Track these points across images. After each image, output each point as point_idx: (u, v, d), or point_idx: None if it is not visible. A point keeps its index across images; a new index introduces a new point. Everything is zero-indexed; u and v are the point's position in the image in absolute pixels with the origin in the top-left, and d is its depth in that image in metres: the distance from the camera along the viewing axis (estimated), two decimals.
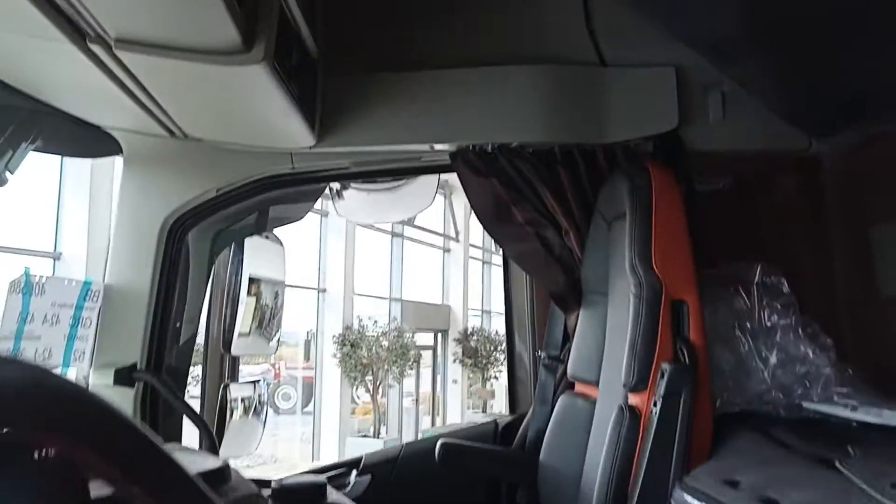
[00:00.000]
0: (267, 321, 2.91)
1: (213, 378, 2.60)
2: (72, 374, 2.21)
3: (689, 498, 1.55)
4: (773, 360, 1.94)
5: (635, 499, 1.74)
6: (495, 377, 17.00)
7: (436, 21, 2.41)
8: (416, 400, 16.25)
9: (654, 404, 1.78)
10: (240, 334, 2.66)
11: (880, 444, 1.73)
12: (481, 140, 2.36)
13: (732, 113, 2.50)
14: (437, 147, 2.39)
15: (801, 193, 2.64)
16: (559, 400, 2.32)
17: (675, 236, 1.92)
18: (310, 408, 15.00)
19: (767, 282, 2.04)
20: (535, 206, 2.37)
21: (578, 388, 2.32)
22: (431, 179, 2.86)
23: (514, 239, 2.40)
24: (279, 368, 16.36)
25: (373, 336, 13.72)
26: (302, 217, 2.72)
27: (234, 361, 2.71)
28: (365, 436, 14.00)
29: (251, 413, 2.74)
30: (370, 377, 13.63)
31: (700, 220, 2.02)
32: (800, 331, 1.97)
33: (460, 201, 15.29)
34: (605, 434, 1.91)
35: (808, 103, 2.35)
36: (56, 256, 9.23)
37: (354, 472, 2.40)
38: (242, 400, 2.72)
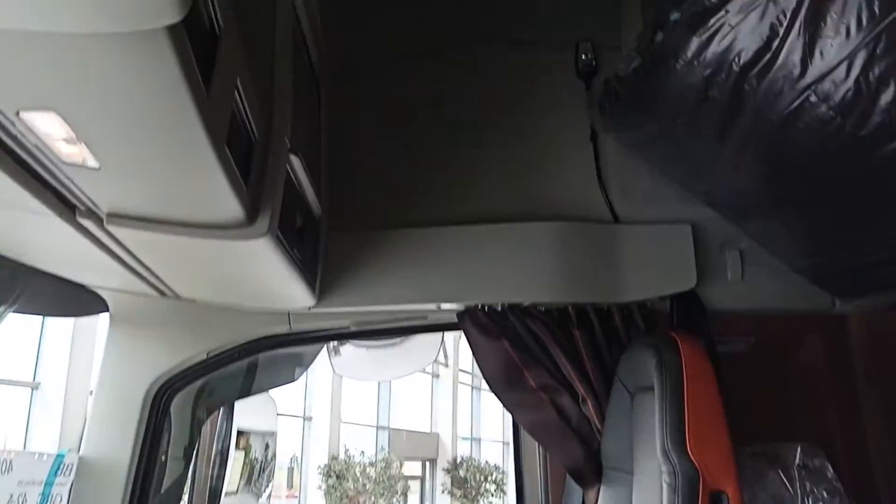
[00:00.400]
0: (256, 475, 2.70)
1: None
2: None
3: None
4: None
5: None
6: None
7: (442, 177, 2.33)
8: None
9: None
10: (227, 493, 2.46)
11: None
12: (491, 300, 2.23)
13: (752, 271, 2.39)
14: (444, 306, 2.25)
15: (828, 355, 2.50)
16: None
17: (709, 415, 1.76)
18: None
19: (809, 465, 1.87)
20: (549, 370, 2.22)
21: None
22: (435, 335, 2.71)
23: (527, 406, 2.22)
24: None
25: (359, 466, 13.24)
26: (297, 378, 2.55)
27: None
28: None
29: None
30: None
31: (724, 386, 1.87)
32: None
33: None
34: None
35: (828, 266, 2.25)
36: (35, 386, 9.01)
37: None
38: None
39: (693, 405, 1.76)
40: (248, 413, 2.58)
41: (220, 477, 2.42)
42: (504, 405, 2.24)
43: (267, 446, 2.77)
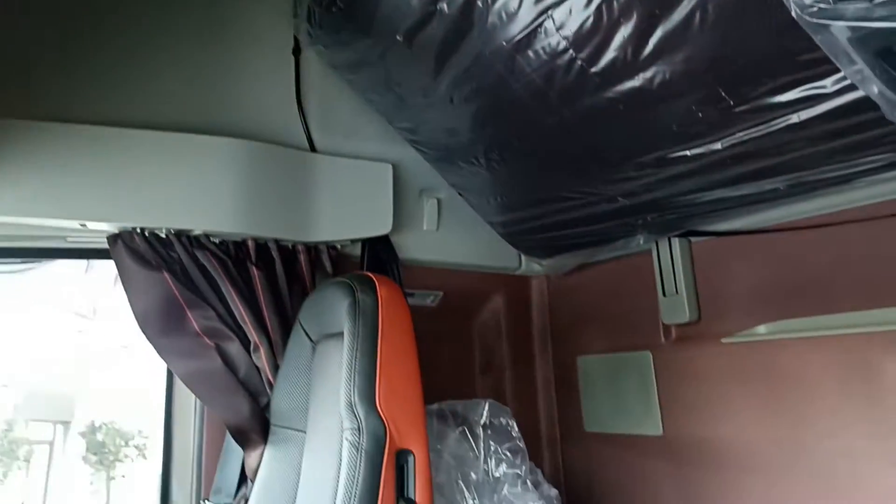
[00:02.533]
0: None
1: None
2: None
3: None
4: None
5: None
6: (123, 476, 15.22)
7: (106, 71, 1.87)
8: None
9: None
10: None
11: None
12: (152, 223, 1.82)
13: (448, 223, 2.28)
14: (92, 226, 1.80)
15: (511, 314, 2.47)
16: None
17: (403, 368, 1.56)
18: None
19: (495, 423, 1.76)
20: (217, 312, 1.87)
21: None
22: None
23: (187, 353, 1.85)
24: None
25: None
26: None
27: None
28: None
29: None
30: None
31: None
32: (528, 482, 1.70)
33: (99, 276, 13.74)
34: None
35: (520, 223, 2.21)
36: None
37: None
38: None
39: (387, 355, 1.55)
40: None
41: None
42: (157, 350, 1.84)
43: None
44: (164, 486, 2.07)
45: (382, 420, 1.47)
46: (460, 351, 2.38)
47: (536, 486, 1.76)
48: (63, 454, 15.55)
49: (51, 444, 15.63)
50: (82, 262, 2.65)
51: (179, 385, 2.07)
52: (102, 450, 15.69)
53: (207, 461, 2.00)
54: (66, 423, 16.02)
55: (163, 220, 1.83)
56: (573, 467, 2.25)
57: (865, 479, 1.56)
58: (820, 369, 1.65)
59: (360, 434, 1.46)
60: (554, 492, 1.80)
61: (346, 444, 1.47)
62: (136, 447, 16.24)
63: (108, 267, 1.88)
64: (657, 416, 2.02)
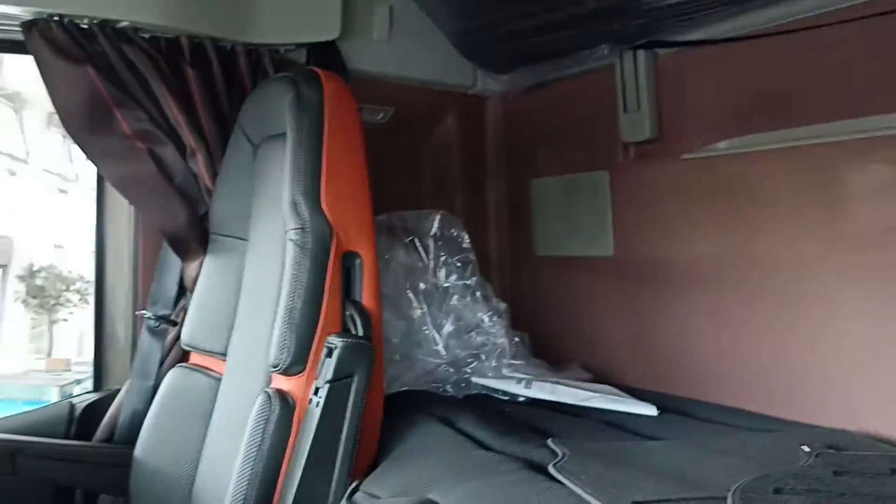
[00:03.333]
0: None
1: None
2: None
3: None
4: (448, 327, 1.61)
5: None
6: (65, 319, 15.20)
7: None
8: None
9: (316, 391, 1.32)
10: None
11: (568, 431, 1.50)
12: (73, 10, 1.64)
13: (400, 32, 2.13)
14: (1, 9, 1.60)
15: (464, 134, 2.37)
16: (168, 375, 1.73)
17: (349, 169, 1.47)
18: None
19: (447, 234, 1.70)
20: (149, 113, 1.73)
21: (195, 359, 1.75)
22: None
23: (117, 156, 1.72)
24: None
25: None
26: None
27: None
28: None
29: None
30: None
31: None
32: (477, 294, 1.66)
33: (35, 117, 13.28)
34: (235, 423, 1.42)
35: (477, 31, 2.07)
36: None
37: None
38: None
39: (332, 153, 1.45)
40: None
41: None
42: (85, 153, 1.70)
43: None
44: (99, 297, 1.99)
45: (328, 220, 1.39)
46: (411, 173, 2.28)
47: (486, 299, 1.73)
48: (2, 297, 15.35)
49: None
50: None
51: (113, 195, 1.95)
52: (43, 294, 15.54)
53: (144, 272, 1.92)
54: (4, 267, 15.76)
55: (83, 8, 1.64)
56: (521, 289, 2.23)
57: (815, 287, 1.56)
58: (779, 182, 1.61)
59: (304, 234, 1.38)
60: (503, 305, 1.77)
61: (289, 246, 1.39)
62: (79, 292, 16.12)
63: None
64: (609, 237, 1.99)
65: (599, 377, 1.89)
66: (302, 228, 1.38)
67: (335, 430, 1.31)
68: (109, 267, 1.97)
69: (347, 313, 1.39)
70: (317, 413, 1.30)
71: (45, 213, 16.10)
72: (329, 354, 1.32)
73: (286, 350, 1.34)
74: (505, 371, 1.69)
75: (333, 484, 1.29)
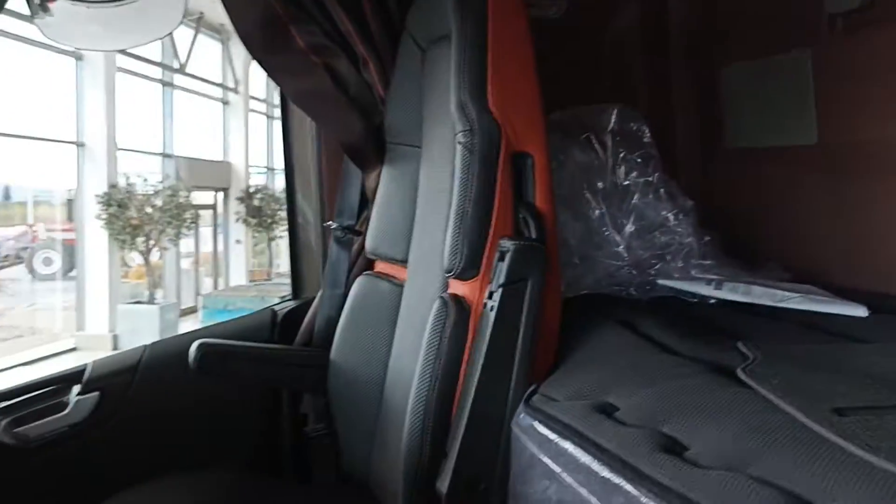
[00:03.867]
0: None
1: None
2: None
3: (544, 430, 1.11)
4: (629, 228, 1.53)
5: (464, 418, 1.28)
6: (281, 236, 16.34)
7: None
8: (196, 262, 15.27)
9: (490, 296, 1.30)
10: None
11: (762, 334, 1.40)
12: None
13: None
14: None
15: (646, 24, 2.21)
16: (355, 283, 1.80)
17: (517, 66, 1.40)
18: (75, 273, 13.57)
19: (626, 129, 1.60)
20: (322, 26, 1.75)
21: (380, 267, 1.81)
22: None
23: (294, 72, 1.76)
24: (37, 230, 14.65)
25: (143, 195, 12.45)
26: None
27: None
28: (139, 302, 12.89)
29: None
30: (142, 239, 12.44)
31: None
32: (661, 191, 1.57)
33: (239, 49, 14.06)
34: (416, 328, 1.44)
35: None
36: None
37: (76, 389, 1.75)
38: None
39: (497, 52, 1.39)
40: None
41: None
42: (265, 70, 1.76)
43: None
44: (291, 212, 2.10)
45: (496, 120, 1.35)
46: (586, 69, 2.16)
47: (671, 196, 1.63)
48: (225, 218, 16.74)
49: (213, 208, 16.86)
50: None
51: (297, 113, 2.02)
52: (260, 214, 16.77)
53: (328, 186, 1.98)
54: (225, 190, 17.12)
55: None
56: (711, 185, 2.08)
57: None
58: None
59: (472, 136, 1.35)
60: (689, 203, 1.66)
61: (458, 149, 1.37)
62: None
63: None
64: (811, 123, 1.79)
65: (800, 277, 1.74)
66: (470, 130, 1.35)
67: (511, 334, 1.29)
68: (298, 182, 2.06)
69: (520, 216, 1.35)
70: (491, 317, 1.29)
71: (257, 139, 17.25)
72: (501, 258, 1.30)
73: (458, 254, 1.33)
74: (693, 272, 1.60)
75: (511, 387, 1.28)
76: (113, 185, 12.14)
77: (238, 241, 16.29)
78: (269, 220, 16.06)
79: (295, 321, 1.94)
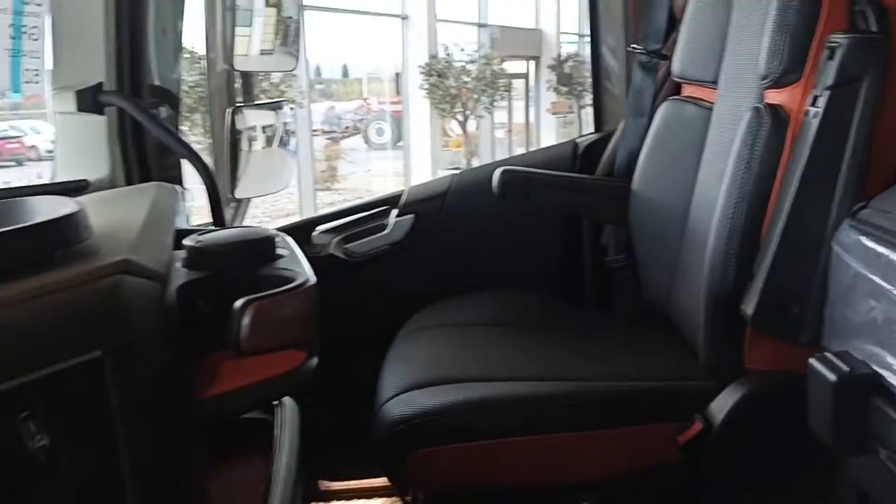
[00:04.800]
0: (292, 37, 2.32)
1: (220, 102, 2.08)
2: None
3: (873, 244, 0.98)
4: None
5: (776, 236, 1.16)
6: (589, 104, 16.11)
7: None
8: (509, 130, 15.73)
9: (814, 101, 1.14)
10: (262, 51, 2.11)
11: None
12: None
13: None
14: None
15: None
16: (660, 109, 1.70)
17: None
18: (402, 143, 14.73)
19: None
20: None
21: (687, 91, 1.68)
22: None
23: None
24: (370, 104, 16.01)
25: (460, 64, 12.97)
26: None
27: (248, 81, 2.17)
28: (457, 168, 13.70)
29: (275, 144, 2.25)
30: (459, 108, 13.06)
31: None
32: None
33: None
34: (725, 151, 1.32)
35: None
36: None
37: (394, 212, 1.89)
38: (263, 129, 2.22)
39: None
40: None
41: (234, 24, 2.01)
42: None
43: (299, 5, 2.33)
44: (594, 42, 2.02)
45: None
46: None
47: None
48: (536, 86, 16.92)
49: (525, 77, 17.10)
50: None
51: None
52: (570, 81, 16.69)
53: (633, 9, 1.87)
54: (536, 59, 17.24)
55: None
56: None
57: None
58: None
59: None
60: None
61: None
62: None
63: None
64: None
65: None
66: None
67: (837, 145, 1.13)
68: (601, 7, 1.97)
69: (856, 8, 1.15)
70: (814, 125, 1.14)
71: (566, 4, 16.94)
72: (831, 56, 1.13)
73: (778, 56, 1.18)
74: None
75: (835, 202, 1.14)
76: (433, 56, 12.77)
77: (549, 110, 16.43)
78: (580, 88, 15.92)
79: (596, 153, 1.90)
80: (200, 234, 0.82)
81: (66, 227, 0.67)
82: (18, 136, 9.22)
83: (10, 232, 0.64)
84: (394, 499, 1.96)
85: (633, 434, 1.28)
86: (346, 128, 15.65)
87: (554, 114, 15.72)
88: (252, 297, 0.71)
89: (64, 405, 0.59)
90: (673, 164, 1.61)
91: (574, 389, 1.30)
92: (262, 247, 0.83)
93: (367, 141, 15.62)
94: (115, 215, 0.83)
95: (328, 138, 14.48)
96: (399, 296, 1.78)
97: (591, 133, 2.04)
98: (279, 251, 0.84)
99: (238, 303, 0.70)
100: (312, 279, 0.77)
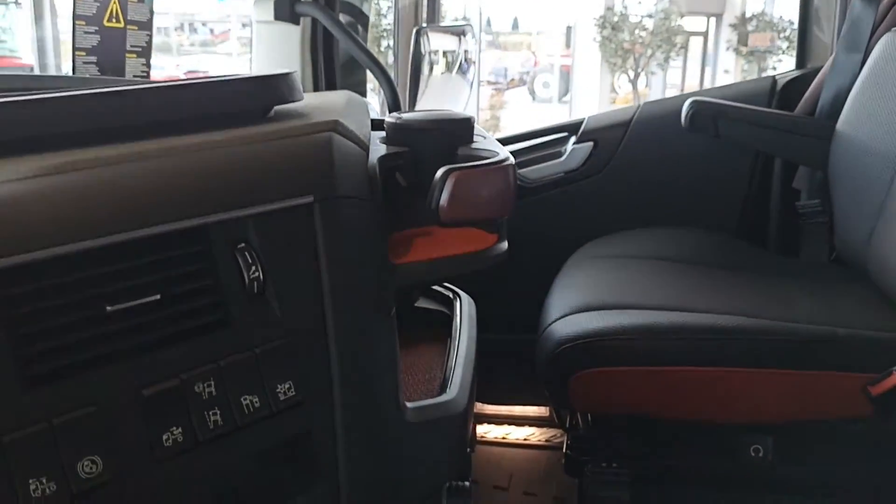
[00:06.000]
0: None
1: (406, 23, 2.10)
2: None
3: None
4: None
5: None
6: (773, 67, 15.17)
7: None
8: (682, 90, 15.09)
9: None
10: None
11: None
12: None
13: None
14: None
15: None
16: (880, 42, 1.55)
17: None
18: (567, 97, 14.48)
19: None
20: None
21: None
22: None
23: None
24: (537, 56, 15.84)
25: (636, 18, 12.54)
26: None
27: (433, 8, 2.17)
28: None
29: (455, 70, 2.24)
30: (631, 64, 12.66)
31: None
32: None
33: None
34: None
35: None
36: None
37: (573, 140, 1.84)
38: (444, 54, 2.22)
39: None
40: None
41: None
42: None
43: None
44: None
45: None
46: None
47: None
48: (716, 45, 16.10)
49: (704, 35, 16.32)
50: None
51: None
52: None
53: None
54: (718, 16, 16.41)
55: None
56: None
57: None
58: None
59: None
60: None
61: None
62: (788, 39, 15.87)
63: None
64: None
65: None
66: None
67: None
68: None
69: None
70: None
71: None
72: None
73: None
74: None
75: None
76: (609, 8, 12.42)
77: (726, 72, 15.59)
78: (763, 50, 14.98)
79: (797, 90, 1.77)
80: (401, 113, 0.83)
81: (284, 84, 0.71)
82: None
83: (238, 79, 0.68)
84: (545, 429, 1.96)
85: (819, 379, 1.19)
86: (512, 79, 15.57)
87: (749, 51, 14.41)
88: (454, 165, 0.70)
89: (277, 243, 0.61)
90: (886, 106, 1.46)
91: (755, 325, 1.22)
92: (461, 126, 0.82)
93: (532, 93, 15.48)
94: (317, 100, 0.85)
95: (494, 89, 14.48)
96: (570, 225, 1.74)
97: (792, 70, 1.90)
98: (476, 136, 0.83)
99: (441, 170, 0.70)
100: (511, 160, 0.76)
